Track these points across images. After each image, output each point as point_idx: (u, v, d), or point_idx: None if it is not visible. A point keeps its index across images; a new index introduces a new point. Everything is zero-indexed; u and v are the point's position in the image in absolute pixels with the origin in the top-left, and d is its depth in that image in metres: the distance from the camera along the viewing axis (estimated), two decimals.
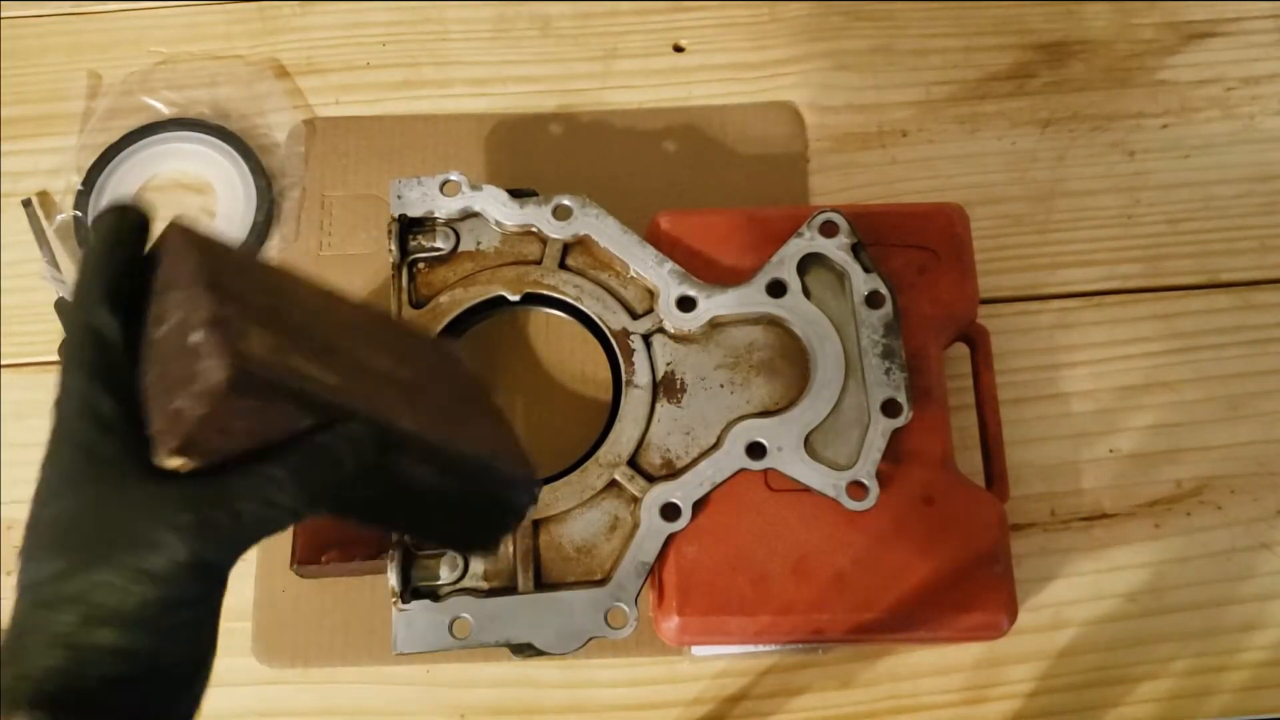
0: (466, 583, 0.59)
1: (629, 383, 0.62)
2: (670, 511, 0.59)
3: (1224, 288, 0.72)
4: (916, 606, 0.59)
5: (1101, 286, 0.72)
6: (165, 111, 0.77)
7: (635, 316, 0.64)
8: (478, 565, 0.59)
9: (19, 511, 0.68)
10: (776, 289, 0.63)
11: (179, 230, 0.42)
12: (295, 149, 0.76)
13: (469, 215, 0.65)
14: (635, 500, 0.60)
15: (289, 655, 0.65)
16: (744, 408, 0.62)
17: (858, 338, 0.61)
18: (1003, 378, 0.66)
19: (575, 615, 0.57)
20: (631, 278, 0.64)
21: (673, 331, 0.63)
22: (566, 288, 0.64)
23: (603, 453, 0.61)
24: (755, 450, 0.60)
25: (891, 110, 0.77)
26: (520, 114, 0.77)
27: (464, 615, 0.57)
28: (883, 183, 0.75)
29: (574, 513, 0.61)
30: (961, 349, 0.66)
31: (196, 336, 0.37)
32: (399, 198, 0.65)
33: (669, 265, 0.63)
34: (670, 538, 0.59)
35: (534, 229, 0.64)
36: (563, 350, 0.70)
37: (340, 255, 0.73)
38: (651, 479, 0.61)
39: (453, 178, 0.65)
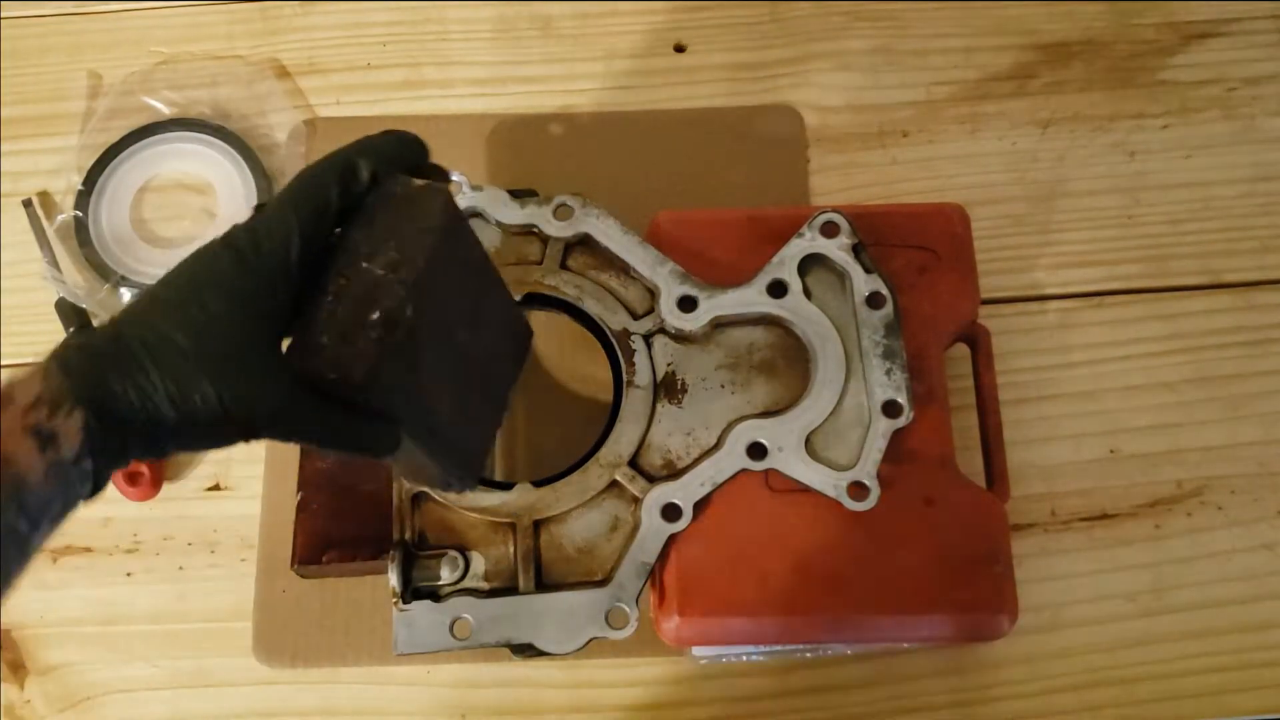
0: (467, 583, 0.59)
1: (630, 383, 0.62)
2: (671, 512, 0.59)
3: (1225, 288, 0.72)
4: (917, 607, 0.59)
5: (1102, 287, 0.72)
6: (166, 111, 0.77)
7: (636, 317, 0.64)
8: (479, 565, 0.59)
9: None
10: (777, 289, 0.63)
11: (445, 198, 0.45)
12: (296, 149, 0.76)
13: (470, 215, 0.65)
14: (636, 500, 0.60)
15: (289, 655, 0.65)
16: (745, 408, 0.62)
17: (858, 338, 0.62)
18: (1003, 378, 0.66)
19: (576, 616, 0.57)
20: (632, 278, 0.64)
21: (674, 332, 0.63)
22: (567, 288, 0.64)
23: (603, 453, 0.61)
24: (756, 451, 0.60)
25: (892, 110, 0.77)
26: (521, 114, 0.77)
27: (464, 616, 0.57)
28: (883, 183, 0.75)
29: (575, 513, 0.61)
30: (962, 349, 0.66)
31: (375, 314, 0.42)
32: None
33: (670, 265, 0.63)
34: (671, 538, 0.59)
35: (535, 229, 0.64)
36: (563, 350, 0.70)
37: None
38: (652, 479, 0.61)
39: (454, 178, 0.65)
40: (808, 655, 0.64)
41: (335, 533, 0.62)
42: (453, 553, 0.59)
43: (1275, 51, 0.78)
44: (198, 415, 0.40)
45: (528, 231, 0.65)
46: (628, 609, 0.58)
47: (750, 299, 0.63)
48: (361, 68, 0.79)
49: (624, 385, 0.62)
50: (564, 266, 0.65)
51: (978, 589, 0.59)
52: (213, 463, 0.69)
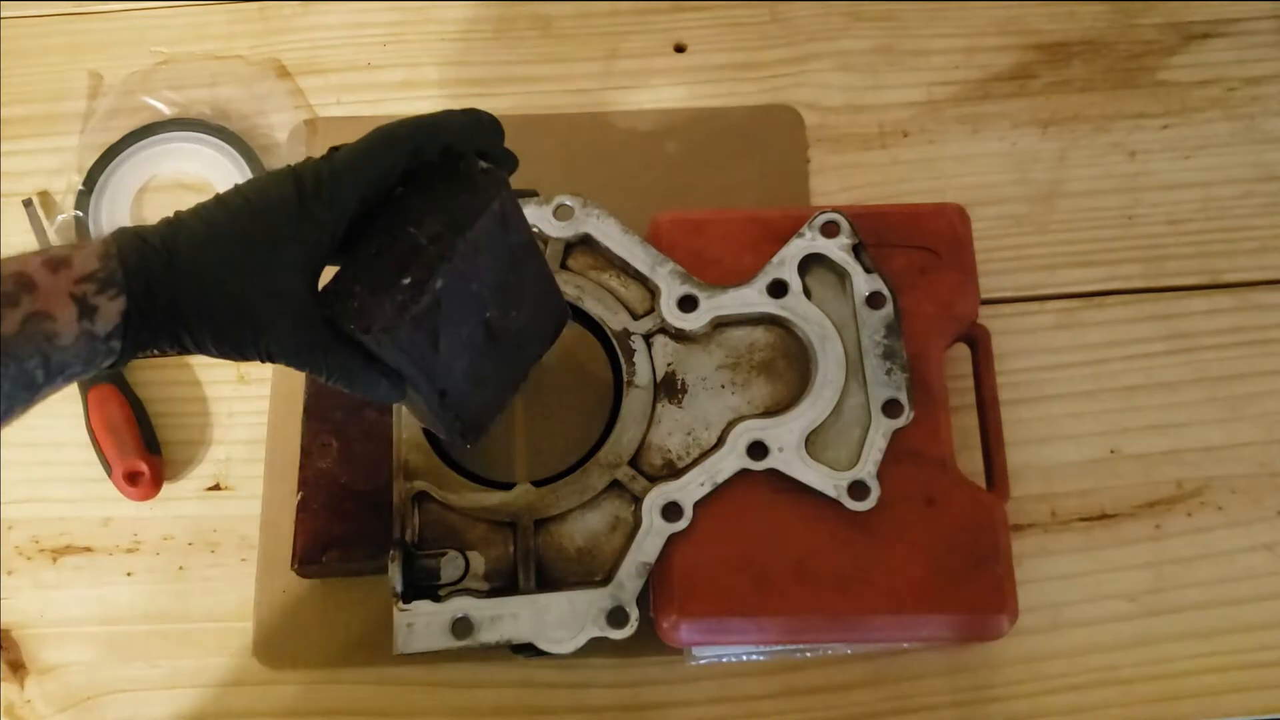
0: (467, 583, 0.59)
1: (630, 383, 0.62)
2: (671, 512, 0.59)
3: (1225, 288, 0.72)
4: (917, 606, 0.59)
5: (1102, 287, 0.72)
6: (166, 111, 0.77)
7: (636, 317, 0.64)
8: (479, 565, 0.59)
9: (19, 511, 0.69)
10: (777, 289, 0.63)
11: (501, 185, 0.47)
12: (296, 149, 0.76)
13: None
14: (636, 500, 0.60)
15: (289, 655, 0.65)
16: (745, 408, 0.62)
17: (859, 338, 0.62)
18: (1003, 378, 0.66)
19: (576, 616, 0.57)
20: (632, 278, 0.64)
21: (674, 332, 0.63)
22: (567, 288, 0.64)
23: (604, 453, 0.61)
24: (756, 450, 0.60)
25: (892, 111, 0.77)
26: (521, 114, 0.77)
27: (465, 615, 0.57)
28: (883, 183, 0.75)
29: (575, 513, 0.61)
30: (962, 349, 0.66)
31: (406, 279, 0.45)
32: None
33: (670, 265, 0.63)
34: (671, 538, 0.59)
35: (535, 229, 0.64)
36: (563, 350, 0.70)
37: None
38: (652, 479, 0.61)
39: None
40: (808, 655, 0.64)
41: (335, 533, 0.62)
42: (453, 553, 0.59)
43: (1275, 51, 0.78)
44: (227, 336, 0.44)
45: None
46: (628, 609, 0.58)
47: (750, 299, 0.63)
48: (361, 68, 0.79)
49: (624, 385, 0.62)
50: (564, 267, 0.65)
51: (978, 589, 0.59)
52: (213, 463, 0.69)
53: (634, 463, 0.61)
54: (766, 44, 0.79)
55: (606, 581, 0.58)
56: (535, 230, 0.64)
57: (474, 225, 0.46)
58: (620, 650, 0.60)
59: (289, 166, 0.46)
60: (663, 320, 0.63)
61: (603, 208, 0.65)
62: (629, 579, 0.58)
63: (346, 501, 0.63)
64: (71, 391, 0.68)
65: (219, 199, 0.45)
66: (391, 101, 0.78)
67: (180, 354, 0.45)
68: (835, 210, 0.63)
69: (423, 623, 0.57)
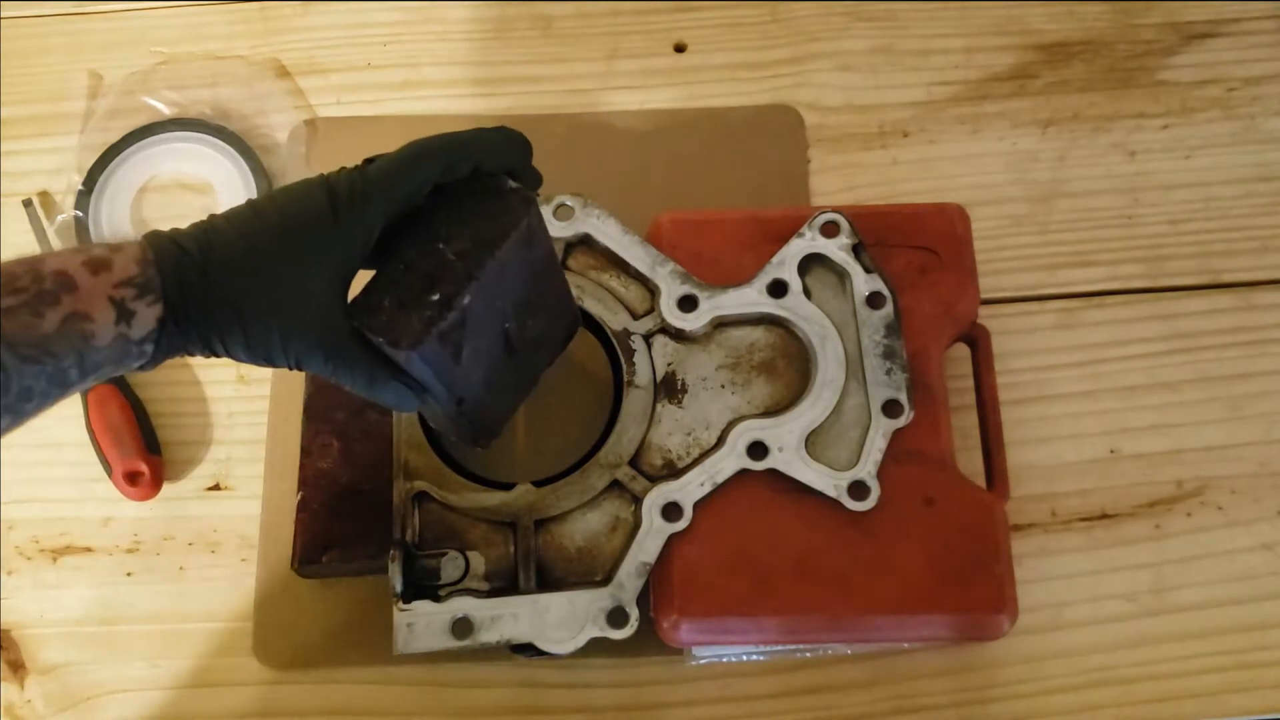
0: (467, 583, 0.59)
1: (630, 383, 0.62)
2: (671, 512, 0.59)
3: (1225, 288, 0.72)
4: (917, 606, 0.59)
5: (1102, 287, 0.72)
6: (166, 111, 0.77)
7: (636, 317, 0.64)
8: (479, 565, 0.59)
9: (19, 511, 0.69)
10: (777, 289, 0.63)
11: (529, 205, 0.49)
12: (296, 149, 0.76)
13: None
14: (636, 500, 0.60)
15: (289, 655, 0.65)
16: (745, 408, 0.62)
17: (859, 338, 0.62)
18: (1003, 378, 0.66)
19: (576, 616, 0.57)
20: (632, 278, 0.64)
21: (674, 332, 0.63)
22: None
23: (604, 453, 0.61)
24: (756, 450, 0.60)
25: (892, 110, 0.77)
26: (521, 114, 0.77)
27: (465, 615, 0.57)
28: (884, 183, 0.75)
29: (575, 513, 0.61)
30: (962, 349, 0.66)
31: (434, 295, 0.46)
32: None
33: (670, 265, 0.63)
34: (671, 538, 0.59)
35: None
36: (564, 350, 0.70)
37: None
38: (652, 479, 0.61)
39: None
40: (808, 655, 0.64)
41: (335, 533, 0.62)
42: (453, 553, 0.59)
43: (1275, 51, 0.78)
44: (258, 345, 0.45)
45: None
46: (628, 609, 0.58)
47: (750, 299, 0.63)
48: (361, 68, 0.79)
49: (624, 385, 0.62)
50: (564, 266, 0.65)
51: (978, 589, 0.59)
52: (213, 463, 0.69)
53: (634, 463, 0.61)
54: (766, 44, 0.79)
55: (606, 581, 0.58)
56: None
57: (502, 245, 0.47)
58: (620, 650, 0.60)
59: (322, 176, 0.47)
60: (663, 320, 0.63)
61: (603, 208, 0.65)
62: (629, 579, 0.58)
63: (346, 501, 0.63)
64: None
65: (253, 207, 0.46)
66: (391, 101, 0.78)
67: (208, 357, 0.46)
68: (835, 210, 0.63)
69: (423, 623, 0.57)
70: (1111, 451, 0.68)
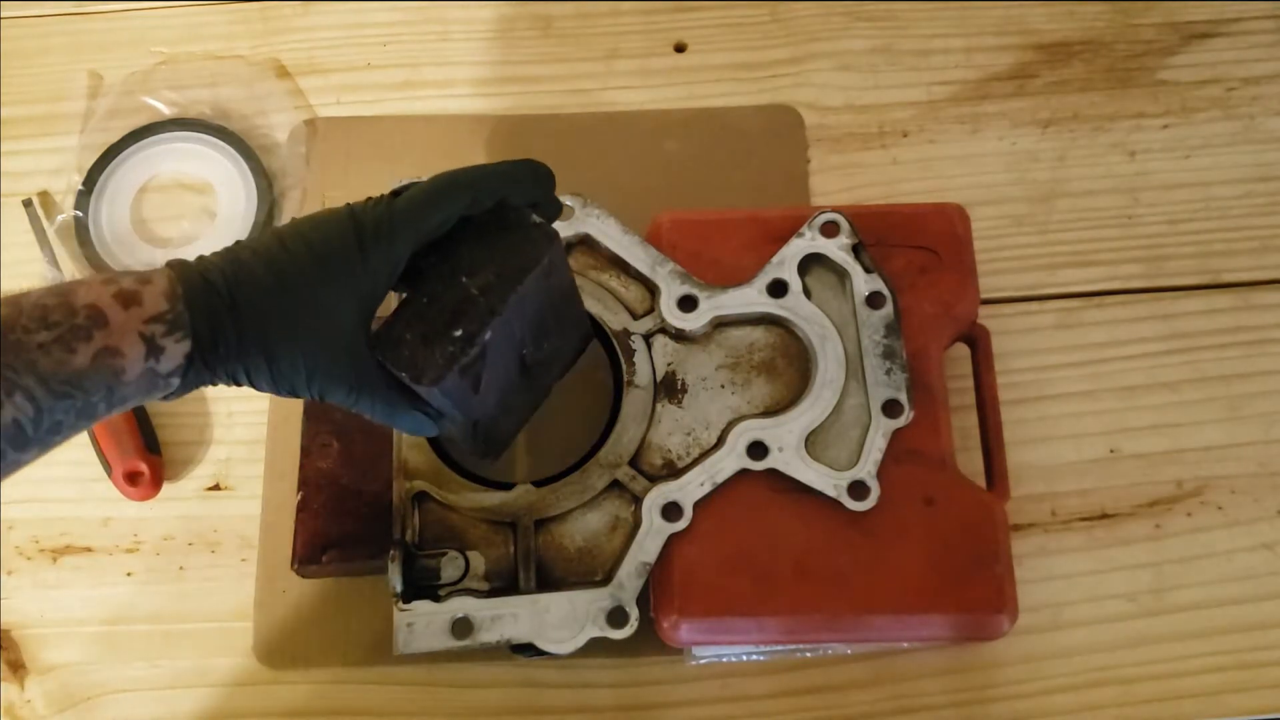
0: (467, 583, 0.59)
1: (630, 383, 0.62)
2: (671, 511, 0.59)
3: (1224, 288, 0.72)
4: (917, 606, 0.59)
5: (1102, 287, 0.72)
6: (166, 111, 0.77)
7: (636, 317, 0.64)
8: (479, 565, 0.59)
9: (19, 511, 0.69)
10: (777, 289, 0.63)
11: (552, 239, 0.49)
12: (296, 149, 0.76)
13: None
14: (636, 500, 0.60)
15: (289, 655, 0.65)
16: (745, 408, 0.62)
17: (859, 338, 0.62)
18: (1003, 378, 0.66)
19: (576, 616, 0.57)
20: (632, 278, 0.64)
21: (674, 332, 0.63)
22: None
23: (604, 453, 0.61)
24: (756, 450, 0.60)
25: (892, 110, 0.77)
26: (521, 114, 0.77)
27: (465, 615, 0.57)
28: (883, 183, 0.75)
29: (575, 513, 0.61)
30: (962, 349, 0.66)
31: (457, 331, 0.47)
32: None
33: (670, 265, 0.63)
34: (671, 538, 0.59)
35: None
36: None
37: None
38: (652, 479, 0.61)
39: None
40: (808, 655, 0.64)
41: (335, 533, 0.62)
42: (453, 553, 0.59)
43: (1275, 51, 0.78)
44: (283, 378, 0.46)
45: None
46: (628, 609, 0.58)
47: (750, 299, 0.63)
48: (361, 68, 0.79)
49: (624, 385, 0.62)
50: None
51: (977, 589, 0.59)
52: (213, 463, 0.69)
53: (634, 463, 0.61)
54: (766, 44, 0.79)
55: (606, 581, 0.58)
56: None
57: (524, 280, 0.48)
58: (620, 650, 0.60)
59: (349, 207, 0.47)
60: (663, 320, 0.63)
61: (603, 208, 0.65)
62: (629, 579, 0.58)
63: (346, 501, 0.63)
64: None
65: (279, 239, 0.46)
66: (391, 101, 0.78)
67: (230, 386, 0.47)
68: (835, 210, 0.63)
69: (423, 623, 0.57)
70: (1111, 451, 0.68)
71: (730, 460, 0.60)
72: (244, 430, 0.70)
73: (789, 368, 0.63)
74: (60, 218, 0.74)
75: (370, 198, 0.47)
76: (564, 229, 0.64)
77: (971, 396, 0.66)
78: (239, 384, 0.46)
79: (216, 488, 0.69)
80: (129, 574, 0.67)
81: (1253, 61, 0.78)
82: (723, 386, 0.63)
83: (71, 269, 0.73)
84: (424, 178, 0.48)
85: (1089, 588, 0.65)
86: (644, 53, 0.79)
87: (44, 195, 0.76)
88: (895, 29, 0.79)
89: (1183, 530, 0.66)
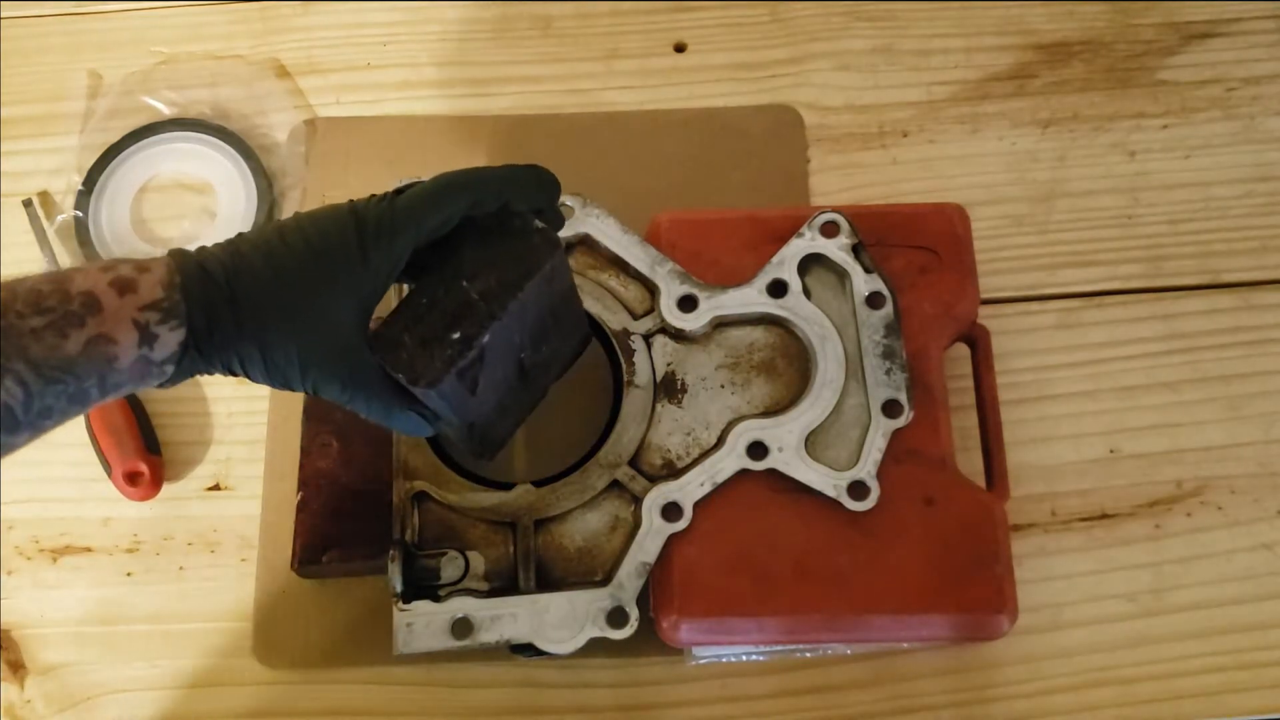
0: (467, 583, 0.59)
1: (629, 383, 0.62)
2: (671, 512, 0.59)
3: (1224, 288, 0.72)
4: (916, 606, 0.59)
5: (1102, 287, 0.72)
6: (166, 111, 0.77)
7: (636, 317, 0.64)
8: (479, 565, 0.59)
9: (19, 511, 0.69)
10: (777, 289, 0.63)
11: (554, 246, 0.49)
12: (296, 149, 0.76)
13: None
14: (636, 500, 0.60)
15: (289, 655, 0.65)
16: (745, 408, 0.62)
17: (858, 338, 0.62)
18: (1003, 378, 0.66)
19: (576, 616, 0.57)
20: (632, 278, 0.64)
21: (673, 332, 0.63)
22: None
23: (604, 453, 0.61)
24: (756, 450, 0.60)
25: (892, 110, 0.77)
26: (521, 114, 0.77)
27: (465, 615, 0.57)
28: (883, 183, 0.75)
29: (575, 513, 0.61)
30: (962, 349, 0.66)
31: (456, 334, 0.47)
32: None
33: (670, 265, 0.63)
34: (671, 538, 0.59)
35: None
36: None
37: None
38: (652, 479, 0.61)
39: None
40: (808, 655, 0.64)
41: (335, 533, 0.62)
42: (453, 553, 0.59)
43: (1275, 51, 0.78)
44: (278, 371, 0.46)
45: None
46: (628, 609, 0.58)
47: (750, 299, 0.63)
48: (361, 68, 0.79)
49: (624, 385, 0.62)
50: None
51: (977, 589, 0.59)
52: (213, 463, 0.69)
53: (634, 463, 0.61)
54: (766, 44, 0.79)
55: (606, 581, 0.58)
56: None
57: (524, 286, 0.47)
58: (620, 650, 0.60)
59: (351, 204, 0.47)
60: (662, 320, 0.63)
61: (603, 208, 0.65)
62: (629, 579, 0.58)
63: (346, 501, 0.63)
64: None
65: (280, 232, 0.46)
66: (391, 101, 0.78)
67: (225, 376, 0.47)
68: (835, 210, 0.63)
69: (423, 623, 0.57)
70: (1111, 451, 0.68)
71: (730, 460, 0.60)
72: (244, 430, 0.70)
73: (789, 368, 0.63)
74: (60, 218, 0.74)
75: (373, 195, 0.47)
76: (564, 229, 0.64)
77: (971, 396, 0.66)
78: (234, 373, 0.46)
79: (216, 488, 0.69)
80: (129, 574, 0.67)
81: (1253, 61, 0.78)
82: (722, 386, 0.63)
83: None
84: (426, 178, 0.48)
85: (1089, 588, 0.65)
86: (644, 53, 0.79)
87: (44, 195, 0.76)
88: (895, 29, 0.79)
89: (1182, 530, 0.66)
